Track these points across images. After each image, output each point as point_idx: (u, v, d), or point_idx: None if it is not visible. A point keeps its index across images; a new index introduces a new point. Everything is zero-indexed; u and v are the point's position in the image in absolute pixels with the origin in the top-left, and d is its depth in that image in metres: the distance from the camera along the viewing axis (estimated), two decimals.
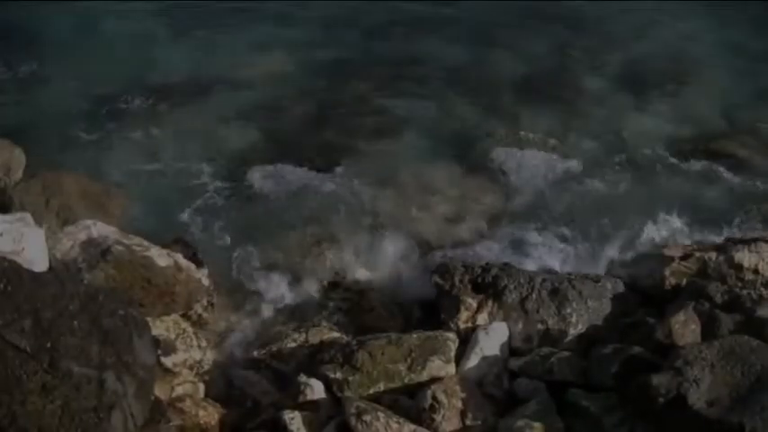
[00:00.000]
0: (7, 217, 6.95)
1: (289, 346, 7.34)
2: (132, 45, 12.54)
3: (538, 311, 7.17)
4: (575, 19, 13.66)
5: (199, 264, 7.87)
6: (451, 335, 6.91)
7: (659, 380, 5.55)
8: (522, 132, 10.35)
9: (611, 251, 8.54)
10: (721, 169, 10.08)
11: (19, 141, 9.40)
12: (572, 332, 7.12)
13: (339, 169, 9.72)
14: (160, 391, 6.38)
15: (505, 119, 10.97)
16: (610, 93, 11.75)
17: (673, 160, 10.26)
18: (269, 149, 10.22)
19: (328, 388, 6.52)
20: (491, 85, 11.75)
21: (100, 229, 7.32)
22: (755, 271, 7.59)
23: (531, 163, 10.02)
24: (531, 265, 8.22)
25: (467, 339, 6.94)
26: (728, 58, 12.62)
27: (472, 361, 6.69)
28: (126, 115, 10.87)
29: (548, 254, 8.59)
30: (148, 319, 6.43)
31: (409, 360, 6.59)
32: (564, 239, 8.84)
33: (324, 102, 11.14)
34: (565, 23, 13.52)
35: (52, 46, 12.41)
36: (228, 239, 8.78)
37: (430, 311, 7.75)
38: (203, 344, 7.36)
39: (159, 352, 6.64)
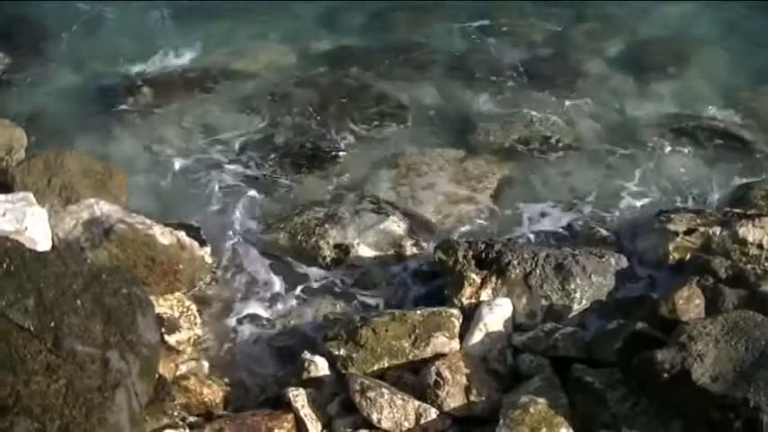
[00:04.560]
0: (9, 196, 6.95)
1: (292, 323, 7.36)
2: (134, 32, 12.47)
3: (542, 287, 7.15)
4: (574, 1, 13.52)
5: (202, 242, 7.88)
6: (455, 311, 6.91)
7: (663, 355, 5.54)
8: (524, 115, 10.25)
9: (614, 230, 8.51)
10: (724, 150, 10.05)
11: (20, 122, 9.41)
12: (576, 308, 7.12)
13: (341, 154, 9.67)
14: (164, 370, 6.40)
15: (506, 102, 10.91)
16: (610, 75, 11.66)
17: (673, 141, 10.22)
18: (270, 134, 10.18)
19: (332, 365, 6.54)
20: (492, 69, 11.66)
21: (103, 207, 7.32)
22: (760, 246, 7.55)
23: (532, 145, 9.96)
24: (533, 243, 8.21)
25: (470, 315, 6.93)
26: (729, 39, 12.50)
27: (476, 337, 6.69)
28: (127, 100, 10.81)
29: (551, 233, 8.59)
30: (152, 297, 6.43)
31: (413, 336, 6.59)
32: (566, 219, 8.82)
33: (325, 88, 11.08)
34: (564, 6, 13.39)
35: (55, 31, 12.37)
36: (231, 219, 8.79)
37: (433, 288, 7.75)
38: (207, 321, 7.38)
39: (163, 330, 6.66)
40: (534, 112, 10.23)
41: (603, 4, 13.41)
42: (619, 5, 13.39)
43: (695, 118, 10.65)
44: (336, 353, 6.54)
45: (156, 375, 5.94)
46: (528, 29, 12.83)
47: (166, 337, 6.73)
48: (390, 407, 5.92)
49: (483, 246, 7.50)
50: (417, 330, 6.62)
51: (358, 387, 6.02)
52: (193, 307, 7.32)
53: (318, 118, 10.49)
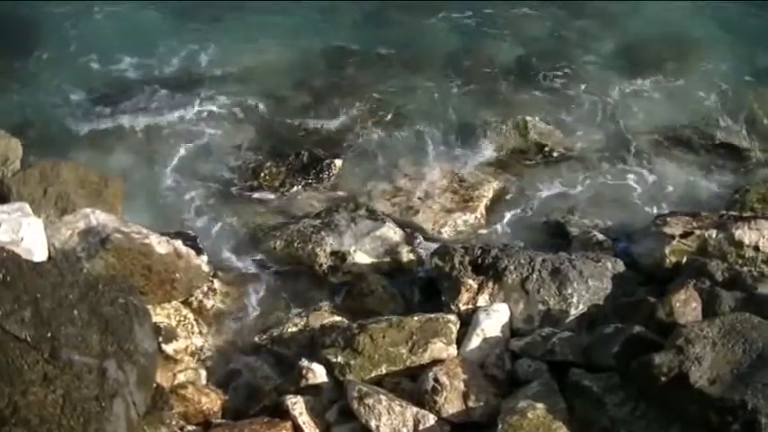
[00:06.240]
0: (5, 207, 6.95)
1: (290, 330, 7.34)
2: (130, 36, 12.44)
3: (539, 292, 7.15)
4: (571, 1, 13.53)
5: (198, 250, 7.88)
6: (452, 317, 6.92)
7: (661, 358, 5.54)
8: (519, 122, 10.27)
9: (610, 234, 8.52)
10: (719, 154, 10.10)
11: (15, 132, 9.38)
12: (573, 312, 7.11)
13: (337, 162, 9.67)
14: (162, 379, 6.39)
15: (502, 105, 10.96)
16: (607, 78, 11.69)
17: (669, 145, 10.26)
18: (266, 140, 10.22)
19: (330, 372, 6.53)
20: (488, 74, 11.69)
21: (99, 217, 7.30)
22: (756, 248, 7.57)
23: (527, 153, 9.98)
24: (530, 249, 8.20)
25: (468, 321, 6.94)
26: (728, 39, 12.54)
27: (473, 342, 6.69)
28: (123, 106, 10.81)
29: (547, 238, 8.61)
30: (149, 306, 6.42)
31: (410, 343, 6.59)
32: (562, 224, 8.82)
33: (321, 96, 11.11)
34: (562, 5, 13.40)
35: (48, 37, 12.35)
36: (228, 227, 8.81)
37: (430, 294, 7.75)
38: (204, 330, 7.38)
39: (160, 339, 6.65)
40: (529, 119, 10.23)
41: (601, 3, 13.40)
42: (615, 3, 13.38)
43: (691, 121, 10.70)
44: (334, 360, 6.53)
45: (154, 384, 5.92)
46: (525, 30, 12.84)
47: (164, 346, 6.73)
48: (389, 413, 5.91)
49: (479, 251, 7.51)
50: (415, 337, 6.62)
51: (356, 394, 6.01)
52: (190, 315, 7.33)
53: (315, 127, 10.52)
